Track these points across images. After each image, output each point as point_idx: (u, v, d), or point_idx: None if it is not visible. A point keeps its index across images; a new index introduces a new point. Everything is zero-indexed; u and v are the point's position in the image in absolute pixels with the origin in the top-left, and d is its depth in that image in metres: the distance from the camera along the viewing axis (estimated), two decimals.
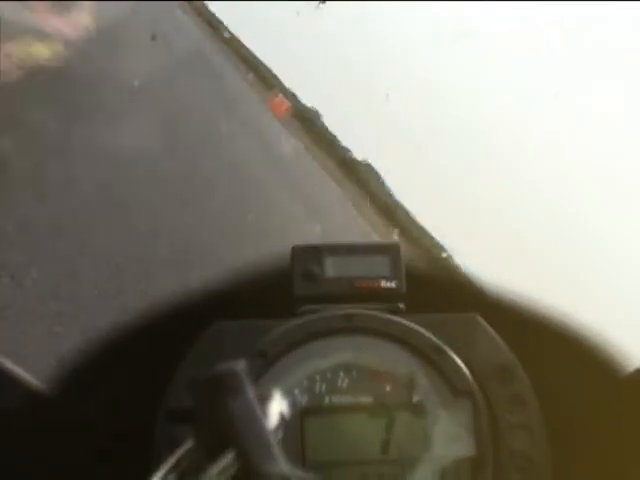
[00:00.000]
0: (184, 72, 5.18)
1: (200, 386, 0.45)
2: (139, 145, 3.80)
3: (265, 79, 5.93)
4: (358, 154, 5.34)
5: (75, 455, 0.72)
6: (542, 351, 0.72)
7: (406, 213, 4.87)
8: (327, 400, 0.67)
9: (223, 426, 0.43)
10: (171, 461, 0.44)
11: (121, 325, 0.75)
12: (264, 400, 0.46)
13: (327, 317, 0.70)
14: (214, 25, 6.42)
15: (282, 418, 0.47)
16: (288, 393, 0.67)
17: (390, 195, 5.11)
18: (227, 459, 0.42)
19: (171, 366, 0.69)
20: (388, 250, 0.75)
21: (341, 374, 0.68)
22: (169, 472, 0.44)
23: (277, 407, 0.47)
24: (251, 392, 0.45)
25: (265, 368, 0.67)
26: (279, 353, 0.68)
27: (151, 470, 0.44)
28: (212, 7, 6.47)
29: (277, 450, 0.43)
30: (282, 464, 0.43)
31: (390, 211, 4.94)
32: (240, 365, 0.45)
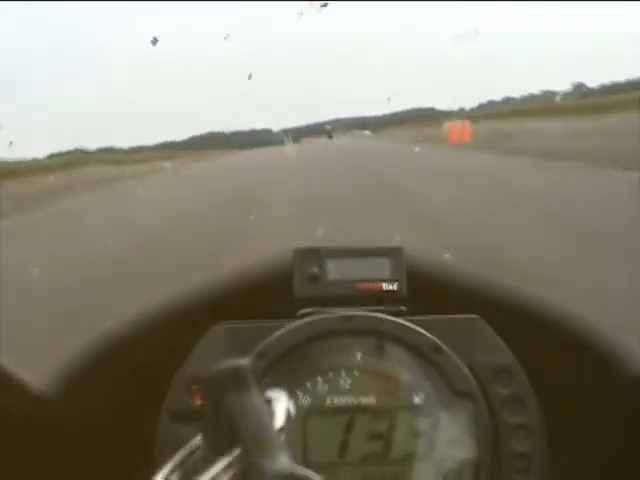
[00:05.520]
0: None
1: (205, 383, 0.45)
2: None
3: None
4: None
5: (77, 457, 0.72)
6: (542, 352, 0.72)
7: None
8: (329, 401, 0.67)
9: (228, 423, 0.43)
10: (177, 457, 0.44)
11: (122, 326, 0.75)
12: (266, 401, 0.47)
13: (328, 319, 0.70)
14: None
15: (284, 418, 0.47)
16: (290, 394, 0.67)
17: None
18: (232, 456, 0.42)
19: (173, 367, 0.70)
20: (390, 253, 0.75)
21: (343, 375, 0.68)
22: (174, 469, 0.44)
23: (279, 408, 0.47)
24: (256, 389, 0.45)
25: (266, 370, 0.67)
26: (280, 355, 0.68)
27: (154, 470, 0.44)
28: None
29: (282, 447, 0.43)
30: (287, 462, 0.43)
31: None
32: (244, 362, 0.45)
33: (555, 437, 0.69)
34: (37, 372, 0.74)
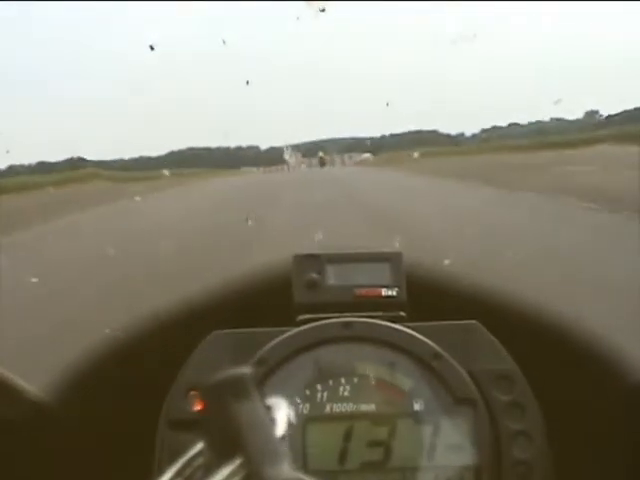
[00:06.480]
0: None
1: (205, 390, 0.45)
2: None
3: None
4: None
5: (76, 465, 0.71)
6: (543, 358, 0.72)
7: None
8: (328, 408, 0.67)
9: (230, 431, 0.43)
10: (178, 465, 0.44)
11: (120, 334, 0.75)
12: (266, 408, 0.46)
13: (326, 325, 0.70)
14: None
15: (284, 426, 0.47)
16: (289, 401, 0.67)
17: None
18: (234, 465, 0.42)
19: (171, 374, 0.69)
20: (389, 258, 0.75)
21: (342, 382, 0.68)
22: (175, 476, 0.43)
23: (279, 415, 0.47)
24: (257, 397, 0.45)
25: (265, 377, 0.67)
26: (279, 361, 0.68)
27: (154, 478, 0.43)
28: None
29: (285, 455, 0.43)
30: (290, 470, 0.43)
31: None
32: (246, 370, 0.45)
33: (556, 443, 0.68)
34: (35, 379, 0.73)
